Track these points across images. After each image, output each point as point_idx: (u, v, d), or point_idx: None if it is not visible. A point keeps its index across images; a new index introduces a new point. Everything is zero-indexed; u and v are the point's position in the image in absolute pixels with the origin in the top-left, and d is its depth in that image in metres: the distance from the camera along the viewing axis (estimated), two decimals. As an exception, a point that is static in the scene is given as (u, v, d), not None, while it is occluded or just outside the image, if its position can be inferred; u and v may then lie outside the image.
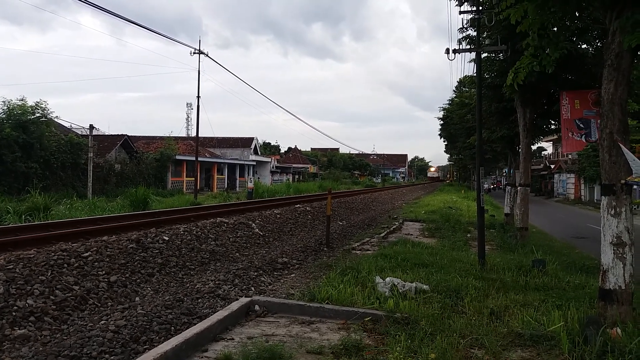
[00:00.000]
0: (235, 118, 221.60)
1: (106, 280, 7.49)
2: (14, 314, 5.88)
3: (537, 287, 7.70)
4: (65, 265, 7.42)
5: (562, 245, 14.59)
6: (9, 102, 24.67)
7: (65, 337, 5.58)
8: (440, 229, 16.17)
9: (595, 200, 38.17)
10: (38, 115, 25.47)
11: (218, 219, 13.49)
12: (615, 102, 5.61)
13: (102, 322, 6.03)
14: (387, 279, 7.23)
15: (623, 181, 5.45)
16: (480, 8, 10.89)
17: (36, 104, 25.54)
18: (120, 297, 7.22)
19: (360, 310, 6.04)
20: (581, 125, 9.76)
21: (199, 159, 32.14)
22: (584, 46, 11.53)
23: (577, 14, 8.73)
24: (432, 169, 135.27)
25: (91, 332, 5.56)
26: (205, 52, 29.17)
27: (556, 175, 53.93)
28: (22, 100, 25.09)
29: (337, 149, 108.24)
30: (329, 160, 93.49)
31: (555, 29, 7.58)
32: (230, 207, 17.87)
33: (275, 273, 9.27)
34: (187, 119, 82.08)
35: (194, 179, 32.02)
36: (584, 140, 9.87)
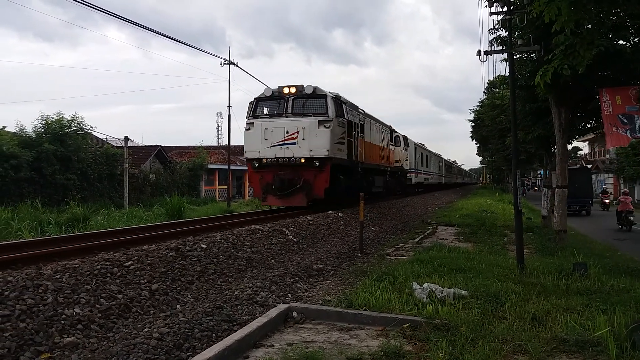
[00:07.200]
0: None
1: (148, 288, 7.67)
2: (62, 322, 6.08)
3: (580, 291, 7.51)
4: (109, 274, 7.62)
5: (603, 247, 14.15)
6: (46, 116, 25.62)
7: (112, 345, 5.74)
8: (476, 233, 15.92)
9: (636, 200, 36.91)
10: (74, 128, 26.33)
11: (252, 226, 13.62)
12: (658, 99, 5.47)
13: (146, 329, 6.17)
14: (425, 285, 7.18)
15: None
16: (512, 8, 10.75)
17: (72, 118, 26.42)
18: (162, 305, 7.38)
19: (398, 317, 6.01)
20: (625, 121, 9.55)
21: (231, 167, 32.55)
22: (620, 42, 11.24)
23: (612, 10, 8.52)
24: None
25: (136, 340, 5.70)
26: (235, 62, 29.78)
27: (593, 176, 52.41)
28: (58, 114, 26.02)
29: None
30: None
31: (590, 26, 7.42)
32: (263, 215, 18.05)
33: (310, 279, 9.31)
34: (217, 128, 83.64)
35: (226, 187, 32.45)
36: (629, 136, 9.63)
